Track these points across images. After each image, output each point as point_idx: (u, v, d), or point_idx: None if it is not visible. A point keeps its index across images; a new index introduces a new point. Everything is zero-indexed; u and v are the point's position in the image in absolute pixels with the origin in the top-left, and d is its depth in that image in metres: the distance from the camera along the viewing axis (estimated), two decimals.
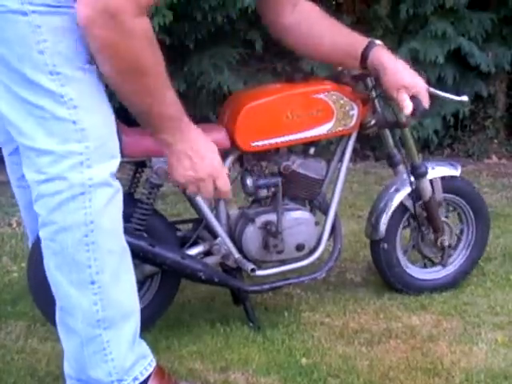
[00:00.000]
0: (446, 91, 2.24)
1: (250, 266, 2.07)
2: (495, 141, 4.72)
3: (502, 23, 4.44)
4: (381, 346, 2.03)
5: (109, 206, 1.48)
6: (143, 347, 1.63)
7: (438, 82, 4.25)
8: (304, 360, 1.95)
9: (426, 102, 1.95)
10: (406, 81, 1.93)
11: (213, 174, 1.56)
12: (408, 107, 1.93)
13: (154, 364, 1.64)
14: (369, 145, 4.44)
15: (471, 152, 4.62)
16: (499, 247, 2.83)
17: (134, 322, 1.58)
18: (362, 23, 4.41)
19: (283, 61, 4.39)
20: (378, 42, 2.01)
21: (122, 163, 1.56)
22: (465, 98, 2.21)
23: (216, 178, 1.57)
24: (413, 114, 1.94)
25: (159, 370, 1.65)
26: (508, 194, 3.79)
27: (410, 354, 1.98)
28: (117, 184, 1.51)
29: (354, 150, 4.55)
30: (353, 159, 4.37)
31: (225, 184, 1.59)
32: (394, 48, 4.33)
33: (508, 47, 4.49)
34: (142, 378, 1.59)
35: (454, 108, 4.42)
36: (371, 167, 4.35)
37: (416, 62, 4.22)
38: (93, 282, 1.48)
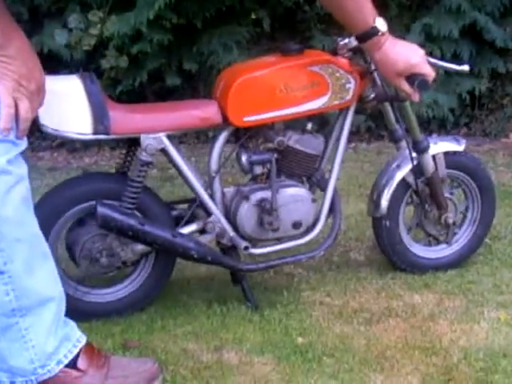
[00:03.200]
0: None
1: (244, 243, 2.04)
2: None
3: None
4: (380, 325, 1.99)
5: (10, 195, 1.43)
6: (68, 329, 1.60)
7: (453, 58, 4.14)
8: (300, 339, 1.92)
9: (429, 76, 1.87)
10: (399, 68, 1.85)
11: None
12: (413, 96, 1.89)
13: (80, 344, 1.60)
14: (383, 124, 4.35)
15: (488, 131, 4.50)
16: (510, 226, 2.74)
17: (55, 306, 1.54)
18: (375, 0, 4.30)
19: (293, 40, 4.31)
20: (380, 28, 1.79)
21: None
22: (465, 68, 2.12)
23: None
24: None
25: (89, 348, 1.62)
26: None
27: (408, 333, 1.94)
28: (19, 171, 1.45)
29: (369, 130, 4.45)
30: (367, 139, 4.31)
31: None
32: (409, 24, 4.23)
33: None
34: (66, 361, 1.57)
35: (470, 85, 4.31)
36: (385, 147, 4.24)
37: (430, 37, 4.13)
38: (2, 273, 1.44)
